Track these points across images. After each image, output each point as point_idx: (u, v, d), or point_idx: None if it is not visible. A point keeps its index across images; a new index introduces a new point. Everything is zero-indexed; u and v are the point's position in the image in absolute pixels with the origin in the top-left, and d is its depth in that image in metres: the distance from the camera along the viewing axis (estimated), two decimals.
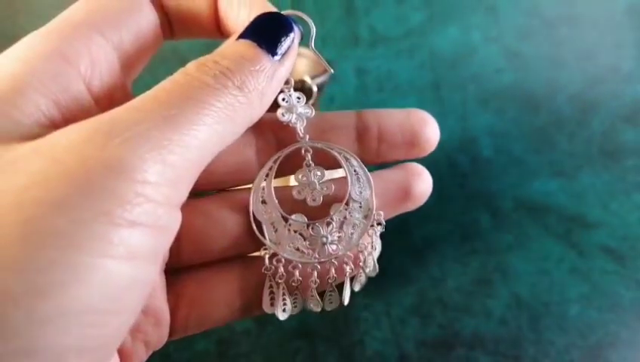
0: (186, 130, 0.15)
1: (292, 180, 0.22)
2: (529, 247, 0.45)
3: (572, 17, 0.61)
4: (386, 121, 0.22)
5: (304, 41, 0.20)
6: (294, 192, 0.22)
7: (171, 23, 0.21)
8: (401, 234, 0.47)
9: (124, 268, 0.14)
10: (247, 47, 0.18)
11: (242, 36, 0.18)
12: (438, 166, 0.55)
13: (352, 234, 0.21)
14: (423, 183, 0.23)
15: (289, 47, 0.19)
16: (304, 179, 0.22)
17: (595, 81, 0.62)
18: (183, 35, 0.22)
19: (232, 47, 0.18)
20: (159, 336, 0.21)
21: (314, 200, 0.21)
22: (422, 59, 0.59)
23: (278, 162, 0.21)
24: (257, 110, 0.18)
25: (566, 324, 0.38)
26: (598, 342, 0.36)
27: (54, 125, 0.16)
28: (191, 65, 0.17)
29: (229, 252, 0.22)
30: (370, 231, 0.22)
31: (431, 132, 0.23)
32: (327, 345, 0.38)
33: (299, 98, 0.21)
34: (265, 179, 0.21)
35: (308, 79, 0.36)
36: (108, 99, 0.18)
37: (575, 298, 0.40)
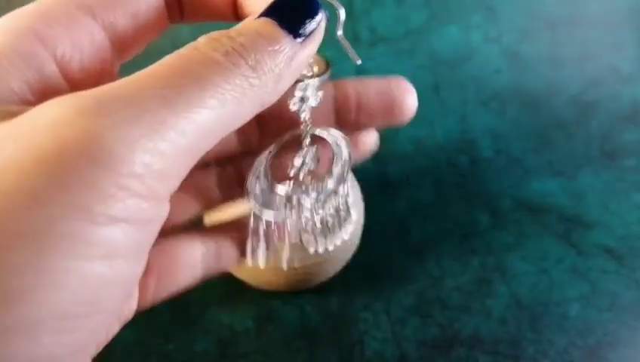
0: (184, 112, 0.14)
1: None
2: (528, 247, 0.45)
3: (572, 18, 0.62)
4: (365, 90, 0.22)
5: (330, 28, 0.19)
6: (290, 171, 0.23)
7: (182, 4, 0.20)
8: (400, 233, 0.47)
9: (102, 268, 0.13)
10: (267, 24, 0.16)
11: (263, 15, 0.17)
12: (438, 166, 0.55)
13: (323, 198, 0.23)
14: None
15: (314, 30, 0.17)
16: (300, 161, 0.23)
17: (595, 82, 0.62)
18: (193, 18, 0.20)
19: (250, 24, 0.17)
20: (129, 310, 0.20)
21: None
22: (422, 59, 0.59)
23: (277, 148, 0.22)
24: (271, 94, 0.16)
25: (565, 324, 0.38)
26: (597, 342, 0.36)
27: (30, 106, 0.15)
28: (202, 39, 0.16)
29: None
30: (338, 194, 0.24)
31: (410, 100, 0.22)
32: (327, 345, 0.38)
33: (310, 84, 0.21)
34: (264, 165, 0.22)
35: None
36: (90, 85, 0.17)
37: (574, 298, 0.40)
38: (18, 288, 0.11)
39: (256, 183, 0.22)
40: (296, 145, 0.22)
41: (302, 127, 0.22)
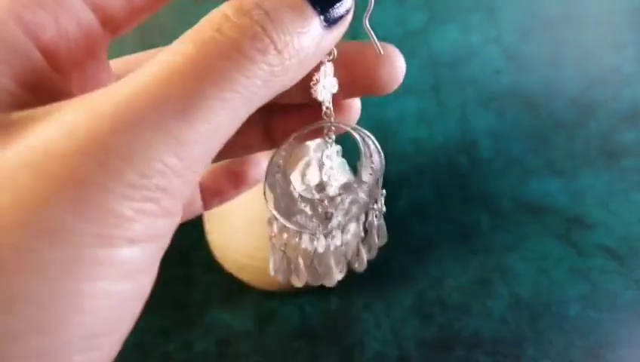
0: (202, 123, 0.13)
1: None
2: (528, 247, 0.45)
3: (572, 18, 0.62)
4: (337, 54, 0.19)
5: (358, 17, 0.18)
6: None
7: None
8: (401, 234, 0.47)
9: (125, 285, 0.13)
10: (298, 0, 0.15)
11: None
12: (438, 166, 0.55)
13: (354, 210, 0.22)
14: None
15: (342, 16, 0.16)
16: (328, 161, 0.21)
17: (595, 82, 0.62)
18: None
19: None
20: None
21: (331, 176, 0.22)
22: (422, 60, 0.59)
23: (297, 139, 0.20)
24: (288, 82, 0.15)
25: (566, 324, 0.38)
26: (597, 342, 0.36)
27: (27, 106, 0.14)
28: (229, 10, 0.14)
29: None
30: (371, 212, 0.22)
31: (390, 72, 0.19)
32: (327, 345, 0.38)
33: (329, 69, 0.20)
34: (283, 157, 0.21)
35: None
36: (79, 72, 0.16)
37: (575, 298, 0.40)
38: (50, 316, 0.12)
39: (274, 185, 0.21)
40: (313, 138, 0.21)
41: (325, 118, 0.20)
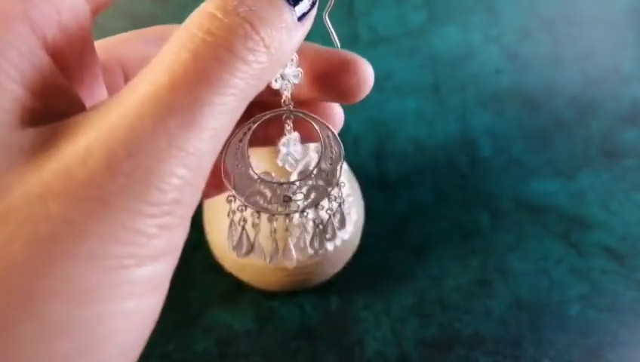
0: (203, 132, 0.13)
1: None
2: (529, 247, 0.45)
3: (572, 18, 0.62)
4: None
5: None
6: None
7: None
8: (400, 233, 0.47)
9: (150, 300, 0.14)
10: None
11: None
12: (438, 166, 0.55)
13: (314, 197, 0.22)
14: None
15: (310, 10, 0.16)
16: (284, 148, 0.22)
17: (595, 82, 0.62)
18: None
19: None
20: None
21: (292, 165, 0.22)
22: (422, 59, 0.59)
23: (257, 123, 0.21)
24: (271, 77, 0.16)
25: (566, 324, 0.38)
26: (597, 342, 0.36)
27: (37, 118, 0.14)
28: (215, 11, 0.14)
29: None
30: (331, 197, 0.22)
31: (355, 81, 0.19)
32: (327, 345, 0.38)
33: (291, 60, 0.20)
34: (241, 139, 0.21)
35: None
36: (77, 65, 0.16)
37: (575, 298, 0.40)
38: (91, 339, 0.12)
39: (233, 165, 0.21)
40: (274, 125, 0.21)
41: (283, 107, 0.20)
